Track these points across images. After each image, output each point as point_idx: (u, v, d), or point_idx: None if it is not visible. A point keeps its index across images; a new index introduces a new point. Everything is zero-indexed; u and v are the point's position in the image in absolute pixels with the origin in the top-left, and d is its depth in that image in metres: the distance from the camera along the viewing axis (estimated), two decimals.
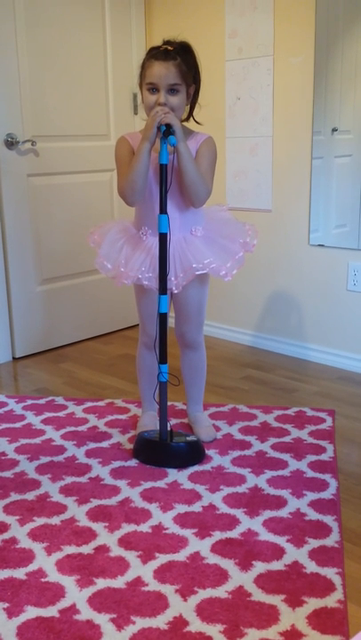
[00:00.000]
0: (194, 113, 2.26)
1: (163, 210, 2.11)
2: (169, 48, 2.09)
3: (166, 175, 2.09)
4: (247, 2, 3.24)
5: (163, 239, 2.12)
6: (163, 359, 2.23)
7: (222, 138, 3.44)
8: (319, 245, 3.26)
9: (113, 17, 3.58)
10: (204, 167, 2.18)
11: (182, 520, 1.95)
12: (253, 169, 3.42)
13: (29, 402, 2.85)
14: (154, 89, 2.10)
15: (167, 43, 2.12)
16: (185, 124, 2.24)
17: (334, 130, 3.13)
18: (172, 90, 2.09)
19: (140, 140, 2.13)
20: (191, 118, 2.27)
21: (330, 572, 1.71)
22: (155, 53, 2.10)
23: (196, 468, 2.26)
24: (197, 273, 2.17)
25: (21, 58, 3.22)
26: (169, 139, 2.06)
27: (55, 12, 3.32)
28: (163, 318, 2.20)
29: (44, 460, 2.33)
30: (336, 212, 3.21)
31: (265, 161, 3.36)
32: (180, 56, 2.09)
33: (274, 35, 3.18)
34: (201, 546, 1.83)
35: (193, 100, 2.22)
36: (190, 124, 2.26)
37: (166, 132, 2.06)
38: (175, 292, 2.21)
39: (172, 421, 2.59)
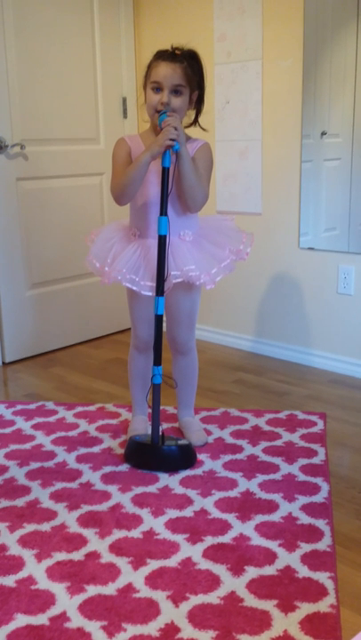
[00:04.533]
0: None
1: (163, 212, 2.10)
2: (177, 52, 2.13)
3: (168, 178, 2.09)
4: (236, 6, 3.24)
5: (162, 241, 2.11)
6: (157, 361, 2.22)
7: (212, 142, 3.42)
8: (309, 249, 3.26)
9: (102, 21, 3.58)
10: (199, 172, 2.19)
11: (174, 525, 1.94)
12: (243, 172, 3.42)
13: (19, 407, 2.83)
14: (158, 88, 2.12)
15: (175, 48, 2.15)
16: (190, 130, 2.26)
17: (323, 133, 3.13)
18: (176, 91, 2.12)
19: (143, 149, 2.14)
20: (197, 125, 2.29)
21: (322, 577, 1.70)
22: (162, 54, 2.13)
23: (188, 472, 2.25)
24: (174, 281, 2.16)
25: (10, 61, 3.21)
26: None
27: (44, 17, 3.31)
28: (159, 320, 2.19)
29: (34, 465, 2.32)
30: (326, 215, 3.21)
31: (255, 164, 3.36)
32: (186, 60, 2.12)
33: (262, 38, 3.18)
34: (193, 551, 1.81)
35: (198, 107, 2.25)
36: (195, 131, 2.27)
37: None
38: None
39: (164, 425, 2.58)
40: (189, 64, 2.12)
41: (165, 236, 2.11)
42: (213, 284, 2.20)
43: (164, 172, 2.09)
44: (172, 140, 2.06)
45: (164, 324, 2.43)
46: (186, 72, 2.11)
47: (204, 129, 2.29)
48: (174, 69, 2.09)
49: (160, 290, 2.15)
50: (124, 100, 3.76)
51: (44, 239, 3.51)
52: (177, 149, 2.08)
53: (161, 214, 2.11)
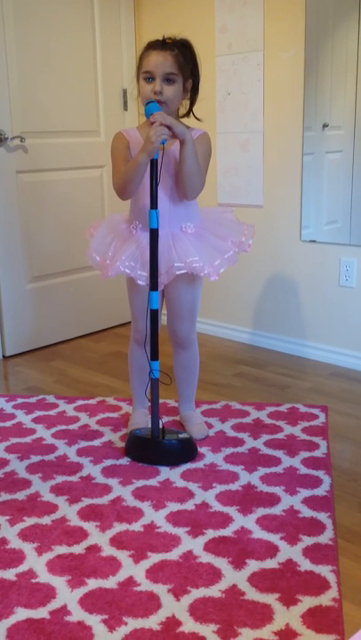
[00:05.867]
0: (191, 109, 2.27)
1: (153, 205, 2.09)
2: (167, 40, 2.11)
3: (156, 170, 2.07)
4: None
5: (153, 235, 2.10)
6: (154, 356, 2.21)
7: (213, 133, 3.42)
8: (311, 241, 3.24)
9: (102, 13, 3.55)
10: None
11: (175, 518, 1.93)
12: (244, 165, 3.40)
13: (20, 400, 2.83)
14: (150, 78, 2.10)
15: (166, 37, 2.14)
16: (184, 119, 2.24)
17: (325, 125, 3.11)
18: (169, 79, 2.10)
19: (141, 141, 2.12)
20: (191, 114, 2.27)
21: (324, 570, 1.69)
22: (152, 44, 2.12)
23: (189, 465, 2.24)
24: (178, 272, 2.15)
25: (10, 53, 3.19)
26: None
27: (44, 9, 3.29)
28: (154, 315, 2.18)
29: (35, 459, 2.31)
30: (327, 207, 3.20)
31: (256, 156, 3.34)
32: (177, 48, 2.11)
33: (264, 29, 3.16)
34: (194, 544, 1.81)
35: (193, 97, 2.22)
36: (190, 121, 2.25)
37: None
38: (159, 289, 2.19)
39: (164, 419, 2.57)
40: (181, 52, 2.10)
41: (157, 230, 2.10)
42: (217, 275, 2.18)
43: (152, 164, 2.07)
44: (163, 134, 2.03)
45: (165, 318, 2.43)
46: (177, 60, 2.09)
47: (198, 119, 2.26)
48: (165, 57, 2.07)
49: (153, 284, 2.13)
50: (125, 92, 3.74)
51: (44, 232, 3.50)
52: (163, 142, 2.05)
53: (151, 207, 2.09)
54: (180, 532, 1.87)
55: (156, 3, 3.62)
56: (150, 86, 2.10)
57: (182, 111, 2.24)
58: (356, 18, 2.86)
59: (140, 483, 2.14)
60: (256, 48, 3.21)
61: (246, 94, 3.30)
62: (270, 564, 1.72)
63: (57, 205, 3.53)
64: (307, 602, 1.58)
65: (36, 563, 1.74)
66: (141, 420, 2.48)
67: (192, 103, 2.24)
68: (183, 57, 2.10)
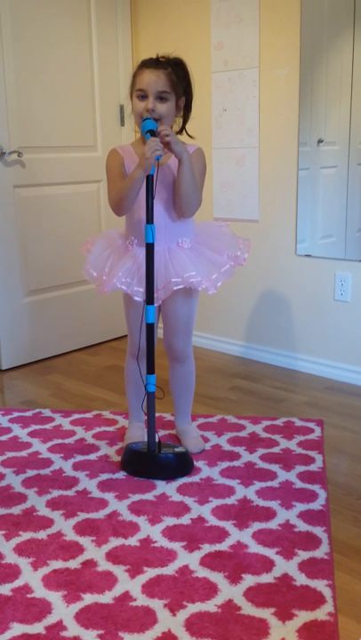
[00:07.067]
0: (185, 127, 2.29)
1: (149, 220, 2.10)
2: (161, 59, 2.14)
3: (152, 186, 2.09)
4: (233, 14, 3.26)
5: (149, 249, 2.11)
6: (150, 369, 2.22)
7: (209, 149, 3.45)
8: (306, 256, 3.26)
9: (99, 29, 3.59)
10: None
11: (171, 533, 1.93)
12: (240, 180, 3.42)
13: (16, 414, 2.83)
14: (143, 96, 2.12)
15: (160, 56, 2.16)
16: (178, 137, 2.26)
17: (320, 141, 3.14)
18: (161, 98, 2.11)
19: (136, 158, 2.14)
20: (184, 132, 2.29)
21: (320, 585, 1.69)
22: (146, 62, 2.14)
23: (185, 479, 2.24)
24: (175, 288, 2.16)
25: (7, 68, 3.21)
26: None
27: (42, 25, 3.32)
28: (150, 328, 2.19)
29: (31, 473, 2.31)
30: (323, 222, 3.22)
31: (251, 172, 3.37)
32: (171, 67, 2.13)
33: (259, 47, 3.19)
34: (190, 559, 1.80)
35: (186, 114, 2.24)
36: (183, 138, 2.27)
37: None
38: (157, 304, 2.20)
39: (160, 433, 2.57)
40: (174, 70, 2.12)
41: (153, 244, 2.11)
42: (215, 289, 2.20)
43: (148, 179, 2.09)
44: (157, 150, 2.04)
45: (161, 332, 2.44)
46: (170, 78, 2.11)
47: (191, 136, 2.29)
48: (158, 76, 2.10)
49: (150, 298, 2.14)
50: (122, 108, 3.77)
51: (40, 246, 3.51)
52: (158, 159, 2.07)
53: (147, 222, 2.11)
54: (176, 546, 1.86)
55: (152, 19, 3.65)
56: (143, 104, 2.12)
57: (175, 129, 2.26)
58: (350, 35, 2.89)
59: (137, 497, 2.14)
60: (252, 65, 3.24)
61: (242, 110, 3.33)
62: (266, 578, 1.72)
63: (54, 220, 3.55)
64: (302, 616, 1.58)
65: (31, 578, 1.73)
66: (137, 433, 2.49)
67: (185, 121, 2.26)
68: (176, 75, 2.12)
